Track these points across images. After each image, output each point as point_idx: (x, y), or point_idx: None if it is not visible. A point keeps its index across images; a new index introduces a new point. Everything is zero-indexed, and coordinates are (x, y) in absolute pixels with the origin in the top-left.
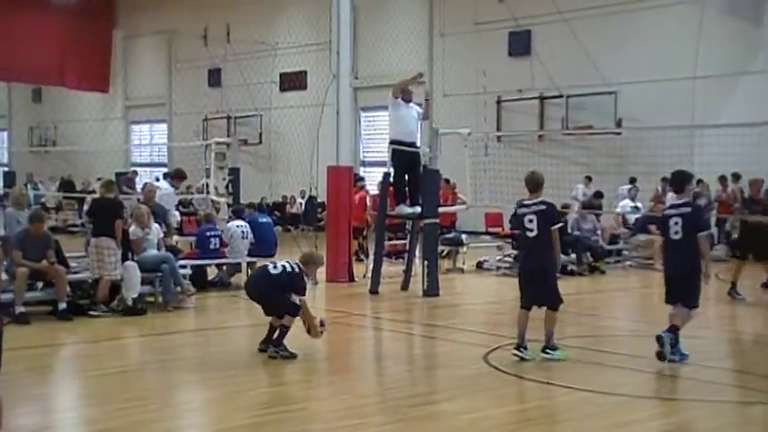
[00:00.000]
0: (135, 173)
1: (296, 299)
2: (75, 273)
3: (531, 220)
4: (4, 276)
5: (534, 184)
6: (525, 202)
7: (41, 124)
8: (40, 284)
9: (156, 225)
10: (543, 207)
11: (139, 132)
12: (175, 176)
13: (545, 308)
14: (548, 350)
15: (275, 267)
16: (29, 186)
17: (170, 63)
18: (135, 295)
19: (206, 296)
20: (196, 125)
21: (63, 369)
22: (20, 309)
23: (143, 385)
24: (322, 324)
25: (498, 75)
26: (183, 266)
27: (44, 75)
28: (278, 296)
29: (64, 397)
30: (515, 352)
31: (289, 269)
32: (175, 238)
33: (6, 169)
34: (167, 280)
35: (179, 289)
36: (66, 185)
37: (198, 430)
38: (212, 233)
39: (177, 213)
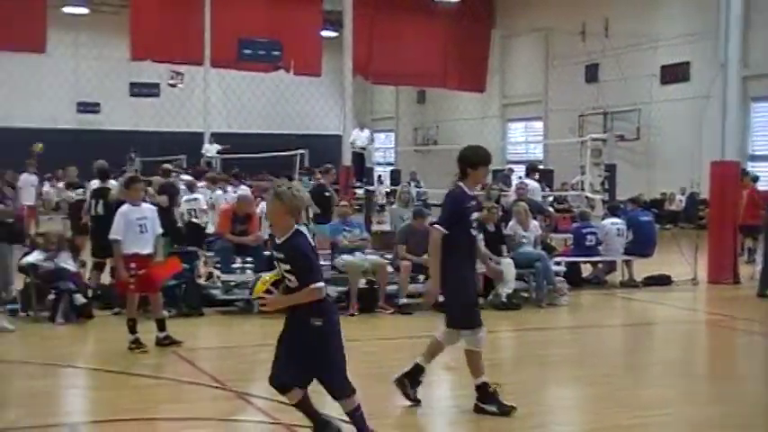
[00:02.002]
0: (511, 170)
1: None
2: None
3: None
4: (389, 269)
5: None
6: None
7: (424, 124)
8: (421, 278)
9: (535, 222)
10: None
11: (515, 130)
12: (530, 171)
13: None
14: None
15: None
16: (412, 184)
17: (546, 60)
18: (509, 291)
19: (580, 294)
20: (572, 122)
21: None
22: (403, 300)
23: (516, 378)
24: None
25: None
26: (558, 263)
27: (428, 77)
28: None
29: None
30: None
31: None
32: (551, 235)
33: (393, 168)
34: (540, 278)
35: (551, 287)
36: None
37: (575, 428)
38: (588, 230)
39: (551, 210)
